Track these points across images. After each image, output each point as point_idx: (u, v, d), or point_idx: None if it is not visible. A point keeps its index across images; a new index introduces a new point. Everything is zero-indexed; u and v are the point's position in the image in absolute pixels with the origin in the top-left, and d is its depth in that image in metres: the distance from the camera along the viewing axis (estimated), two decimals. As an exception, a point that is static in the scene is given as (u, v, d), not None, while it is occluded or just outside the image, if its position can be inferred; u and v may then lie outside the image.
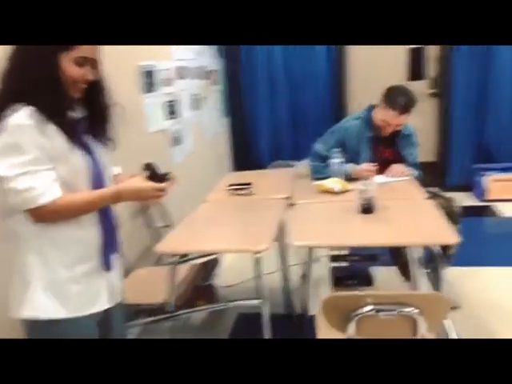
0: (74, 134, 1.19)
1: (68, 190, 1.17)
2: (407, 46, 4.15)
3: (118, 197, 1.24)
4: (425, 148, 2.70)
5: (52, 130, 1.13)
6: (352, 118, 2.52)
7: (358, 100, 4.33)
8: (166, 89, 2.96)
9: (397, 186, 2.27)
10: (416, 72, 4.21)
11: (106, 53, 1.27)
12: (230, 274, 2.78)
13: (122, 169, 1.49)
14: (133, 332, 1.99)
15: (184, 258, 2.10)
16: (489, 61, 3.84)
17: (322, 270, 2.53)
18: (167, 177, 1.30)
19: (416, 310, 1.23)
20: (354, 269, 2.79)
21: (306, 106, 4.32)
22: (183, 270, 2.12)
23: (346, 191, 2.24)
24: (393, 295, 1.27)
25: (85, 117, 1.26)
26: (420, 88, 4.04)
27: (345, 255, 2.76)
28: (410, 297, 1.23)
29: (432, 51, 4.13)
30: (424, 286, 2.25)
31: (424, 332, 1.25)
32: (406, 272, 2.48)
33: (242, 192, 2.36)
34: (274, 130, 4.46)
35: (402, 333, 1.28)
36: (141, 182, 1.26)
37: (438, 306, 1.24)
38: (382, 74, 4.20)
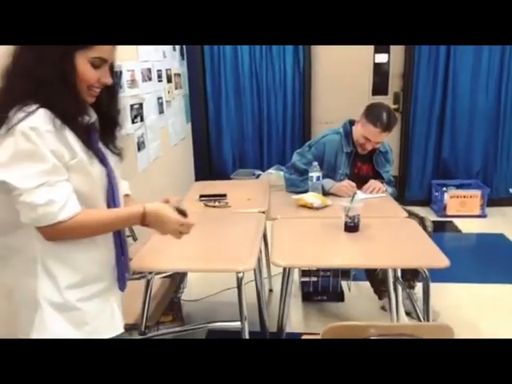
0: (89, 141, 1.08)
1: (84, 204, 1.06)
2: (372, 62, 4.22)
3: (143, 219, 1.12)
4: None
5: (68, 136, 1.03)
6: (331, 132, 2.49)
7: (323, 113, 4.36)
8: (131, 91, 2.79)
9: (375, 203, 2.25)
10: (380, 87, 4.29)
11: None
12: (195, 288, 2.66)
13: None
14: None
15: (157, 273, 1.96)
16: (448, 79, 3.97)
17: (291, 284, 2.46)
18: (186, 213, 1.21)
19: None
20: (324, 283, 2.75)
21: (271, 114, 4.28)
22: (155, 284, 1.97)
23: (326, 206, 2.20)
24: (397, 326, 1.22)
25: (97, 123, 1.14)
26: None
27: (316, 270, 2.71)
28: (414, 328, 1.18)
29: (396, 68, 4.22)
30: (400, 304, 2.25)
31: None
32: (379, 290, 2.47)
33: (218, 204, 2.25)
34: (238, 138, 4.37)
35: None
36: (171, 211, 1.15)
37: (443, 336, 1.20)
38: (347, 88, 4.25)
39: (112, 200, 1.14)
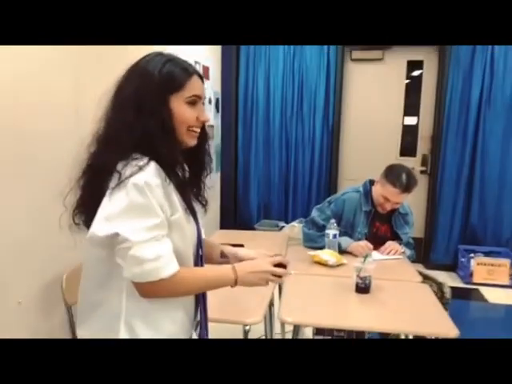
0: (186, 194, 1.08)
1: (178, 261, 1.05)
2: (401, 123, 4.29)
3: (235, 281, 1.10)
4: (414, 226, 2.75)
5: (171, 190, 1.04)
6: (351, 190, 2.53)
7: (350, 170, 4.41)
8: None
9: (391, 265, 2.23)
10: (408, 148, 4.33)
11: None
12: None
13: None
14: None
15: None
16: (477, 144, 3.96)
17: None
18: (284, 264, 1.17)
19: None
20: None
21: (299, 168, 4.36)
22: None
23: (341, 265, 2.20)
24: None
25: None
26: (411, 164, 4.14)
27: (331, 329, 2.65)
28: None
29: (424, 130, 4.27)
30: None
31: None
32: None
33: (234, 254, 2.28)
34: (264, 189, 4.46)
35: None
36: (264, 261, 1.14)
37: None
38: (375, 147, 4.31)
39: (199, 258, 1.14)
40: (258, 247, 2.42)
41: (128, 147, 1.01)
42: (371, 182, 2.47)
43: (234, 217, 4.55)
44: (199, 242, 1.15)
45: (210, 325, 2.94)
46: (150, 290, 1.02)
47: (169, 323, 1.10)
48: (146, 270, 0.98)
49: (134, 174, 0.97)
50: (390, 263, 2.26)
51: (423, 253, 4.26)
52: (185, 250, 1.09)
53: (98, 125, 1.06)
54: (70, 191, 1.08)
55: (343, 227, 2.42)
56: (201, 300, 1.19)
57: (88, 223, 1.04)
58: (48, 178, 1.72)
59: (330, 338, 2.70)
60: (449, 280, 3.84)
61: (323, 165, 4.33)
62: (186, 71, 1.07)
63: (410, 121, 4.32)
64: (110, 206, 0.97)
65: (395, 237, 2.46)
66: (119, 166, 0.99)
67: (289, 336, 2.45)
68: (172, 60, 1.07)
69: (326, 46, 4.10)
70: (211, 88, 3.94)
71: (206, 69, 3.74)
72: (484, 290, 3.74)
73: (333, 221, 2.32)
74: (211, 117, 4.02)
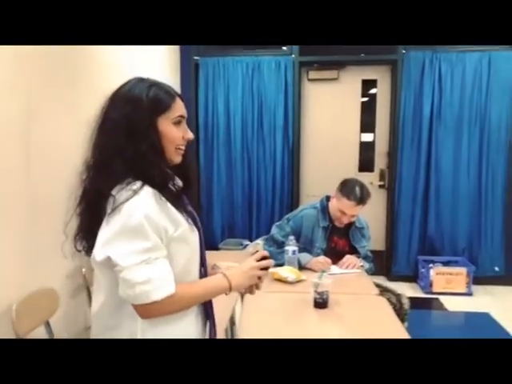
0: (184, 207, 1.12)
1: (182, 270, 1.10)
2: (358, 140, 4.42)
3: (229, 287, 1.14)
4: (374, 237, 2.81)
5: (170, 207, 1.07)
6: (309, 206, 2.58)
7: (311, 187, 4.49)
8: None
9: (349, 279, 2.28)
10: (366, 164, 4.46)
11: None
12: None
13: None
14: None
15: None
16: (431, 160, 4.13)
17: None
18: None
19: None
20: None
21: (261, 187, 4.40)
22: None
23: (300, 281, 2.22)
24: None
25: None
26: (369, 179, 4.27)
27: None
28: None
29: (381, 146, 4.42)
30: None
31: None
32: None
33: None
34: (227, 209, 4.46)
35: None
36: (247, 260, 1.20)
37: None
38: (335, 164, 4.41)
39: (202, 264, 1.19)
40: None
41: (121, 171, 1.04)
42: (327, 198, 2.53)
43: (199, 237, 4.51)
44: (202, 248, 1.19)
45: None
46: (147, 311, 1.05)
47: (181, 335, 1.13)
48: (137, 293, 1.01)
49: (128, 198, 1.01)
50: (348, 277, 2.30)
51: (385, 265, 4.36)
52: (190, 259, 1.14)
53: (87, 153, 1.09)
54: (70, 220, 1.11)
55: (302, 243, 2.45)
56: (210, 315, 1.23)
57: (90, 248, 1.10)
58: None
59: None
60: (410, 290, 3.93)
61: (285, 183, 4.39)
62: (170, 94, 1.13)
63: (367, 137, 4.46)
64: (106, 230, 1.02)
65: (353, 251, 2.51)
66: (114, 191, 1.03)
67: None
68: (155, 84, 1.12)
69: (283, 67, 4.20)
70: (171, 109, 3.95)
71: (164, 91, 3.75)
72: (443, 299, 3.85)
73: (292, 237, 2.35)
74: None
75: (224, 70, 4.26)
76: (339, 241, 2.52)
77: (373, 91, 4.41)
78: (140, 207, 1.01)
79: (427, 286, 3.99)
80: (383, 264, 4.34)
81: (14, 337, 1.58)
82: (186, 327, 1.15)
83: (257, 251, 1.27)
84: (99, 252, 1.02)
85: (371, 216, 2.67)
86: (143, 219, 1.00)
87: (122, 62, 2.91)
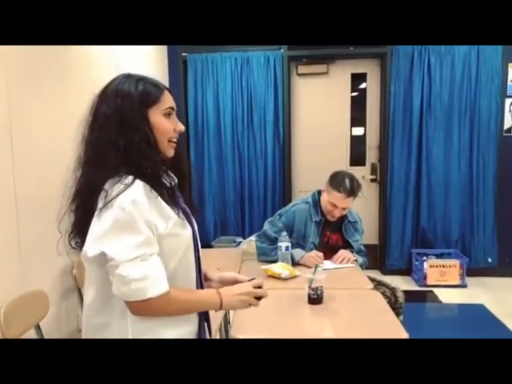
0: (177, 202, 1.12)
1: (174, 272, 1.09)
2: (349, 134, 4.41)
3: (220, 305, 1.15)
4: (367, 231, 2.79)
5: (162, 203, 1.08)
6: (300, 201, 2.55)
7: (303, 182, 4.47)
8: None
9: (343, 274, 2.25)
10: (357, 158, 4.45)
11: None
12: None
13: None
14: None
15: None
16: (422, 152, 4.13)
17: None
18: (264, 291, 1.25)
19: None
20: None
21: (253, 182, 4.37)
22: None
23: (294, 277, 2.20)
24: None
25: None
26: (361, 173, 4.25)
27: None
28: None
29: (372, 140, 4.41)
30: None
31: None
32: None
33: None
34: (220, 206, 4.43)
35: None
36: (245, 284, 1.22)
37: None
38: (326, 158, 4.39)
39: (197, 260, 1.18)
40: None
41: (114, 165, 1.05)
42: (319, 192, 2.51)
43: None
44: (196, 244, 1.18)
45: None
46: (140, 309, 1.04)
47: (173, 329, 1.13)
48: (133, 290, 1.00)
49: (120, 193, 1.01)
50: (342, 272, 2.28)
51: (379, 259, 4.36)
52: (184, 256, 1.13)
53: (79, 149, 1.09)
54: (63, 216, 1.11)
55: (295, 239, 2.43)
56: (202, 316, 1.22)
57: (84, 245, 1.08)
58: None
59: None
60: (404, 284, 3.93)
61: (276, 178, 4.36)
62: (158, 86, 1.14)
63: (358, 131, 4.45)
64: (98, 225, 1.02)
65: (347, 245, 2.49)
66: (107, 185, 1.04)
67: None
68: (143, 78, 1.14)
69: (272, 61, 4.17)
70: (160, 107, 3.90)
71: (152, 88, 3.70)
72: (437, 292, 3.86)
73: (284, 233, 2.32)
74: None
75: (213, 66, 4.22)
76: (332, 235, 2.50)
77: (363, 85, 4.39)
78: (132, 201, 1.01)
79: (421, 279, 3.99)
80: (377, 258, 4.34)
81: (1, 341, 1.54)
82: (180, 326, 1.14)
83: (253, 278, 1.29)
84: (91, 247, 1.02)
85: (364, 210, 2.66)
86: (134, 213, 1.00)
87: (109, 59, 2.86)
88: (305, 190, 4.36)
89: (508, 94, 4.01)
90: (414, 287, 3.98)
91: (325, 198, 2.42)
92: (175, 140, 1.16)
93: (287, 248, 2.30)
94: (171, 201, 1.10)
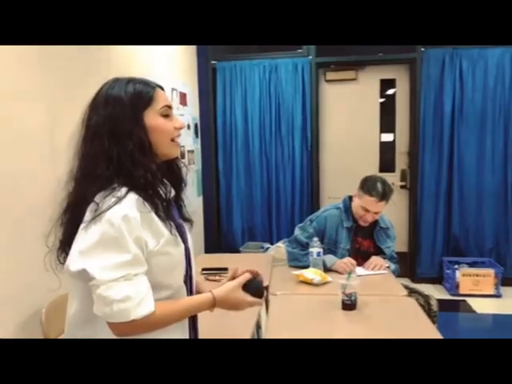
0: (171, 216, 1.06)
1: (162, 286, 1.05)
2: (378, 140, 4.36)
3: (213, 306, 1.12)
4: (397, 239, 2.75)
5: (155, 218, 1.02)
6: (331, 207, 2.54)
7: (331, 188, 4.45)
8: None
9: (376, 281, 2.23)
10: (387, 164, 4.39)
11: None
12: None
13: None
14: None
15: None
16: (453, 158, 4.04)
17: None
18: (263, 289, 1.22)
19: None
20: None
21: (280, 189, 4.37)
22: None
23: (325, 283, 2.18)
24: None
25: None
26: (391, 180, 4.19)
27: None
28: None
29: (401, 146, 4.35)
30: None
31: None
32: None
33: (219, 278, 2.26)
34: (247, 212, 4.45)
35: None
36: (239, 293, 1.16)
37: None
38: (355, 164, 4.36)
39: (188, 278, 1.13)
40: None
41: (105, 176, 0.99)
42: (350, 198, 2.49)
43: (219, 241, 4.51)
44: (188, 262, 1.14)
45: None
46: (123, 330, 0.98)
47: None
48: (115, 311, 0.94)
49: (111, 206, 0.95)
50: (375, 278, 2.25)
51: (409, 267, 4.27)
52: (173, 270, 1.08)
53: (72, 163, 1.04)
54: (51, 231, 1.06)
55: (326, 244, 2.42)
56: (191, 326, 1.20)
57: None
58: (27, 215, 1.69)
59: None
60: (436, 292, 3.84)
61: (304, 184, 4.35)
62: (149, 85, 1.08)
63: (387, 137, 4.40)
64: (84, 239, 0.96)
65: (378, 251, 2.46)
66: (97, 197, 0.98)
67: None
68: (132, 80, 1.08)
69: (300, 68, 4.18)
70: (189, 114, 3.96)
71: (183, 95, 3.77)
72: (471, 301, 3.75)
73: (316, 239, 2.31)
74: (191, 142, 4.03)
75: (241, 74, 4.26)
76: (363, 241, 2.48)
77: (392, 90, 4.35)
78: (122, 216, 0.95)
79: (453, 288, 3.89)
80: (407, 266, 4.26)
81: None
82: (171, 333, 1.08)
83: (248, 270, 1.25)
84: (73, 262, 0.96)
85: (393, 217, 2.63)
86: (124, 229, 0.95)
87: (139, 67, 2.92)
88: (333, 196, 4.33)
89: (544, 99, 3.90)
90: (446, 296, 3.88)
91: (356, 203, 2.40)
92: (178, 139, 1.11)
93: (319, 254, 2.28)
94: (165, 215, 1.04)
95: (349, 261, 2.30)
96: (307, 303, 1.99)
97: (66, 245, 1.05)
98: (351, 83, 4.35)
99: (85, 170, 1.02)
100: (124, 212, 0.95)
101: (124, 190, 0.98)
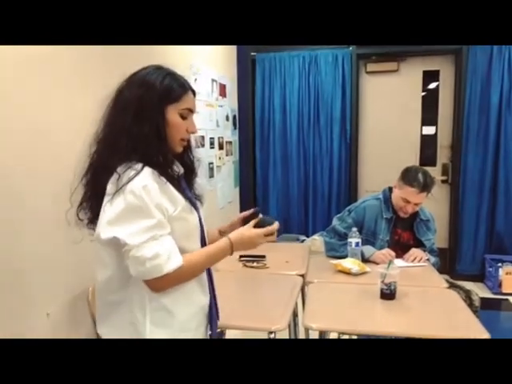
0: (183, 190, 1.18)
1: (185, 245, 1.15)
2: (420, 133, 4.26)
3: (231, 249, 1.20)
4: (437, 234, 2.69)
5: (170, 188, 1.13)
6: (371, 198, 2.51)
7: (370, 181, 4.39)
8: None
9: (416, 272, 2.19)
10: (428, 158, 4.28)
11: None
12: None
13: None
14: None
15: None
16: (500, 150, 3.90)
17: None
18: (271, 221, 1.28)
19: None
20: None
21: (317, 181, 4.35)
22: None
23: (364, 273, 2.17)
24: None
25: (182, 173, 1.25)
26: (432, 174, 4.08)
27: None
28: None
29: (443, 139, 4.23)
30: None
31: None
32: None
33: (256, 265, 2.29)
34: (283, 203, 4.45)
35: None
36: (251, 231, 1.23)
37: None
38: (394, 158, 4.28)
39: (202, 240, 1.25)
40: (280, 258, 2.43)
41: (126, 150, 1.09)
42: (390, 189, 2.46)
43: (255, 232, 4.54)
44: (201, 227, 1.24)
45: (235, 332, 2.92)
46: (159, 285, 1.10)
47: (188, 312, 1.20)
48: (148, 268, 1.05)
49: (131, 178, 1.05)
50: (414, 270, 2.22)
51: (449, 263, 4.17)
52: (191, 236, 1.20)
53: (97, 126, 1.14)
54: (76, 189, 1.16)
55: (365, 235, 2.40)
56: (212, 294, 1.30)
57: (92, 220, 1.17)
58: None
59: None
60: (477, 291, 3.68)
61: (342, 177, 4.32)
62: (183, 86, 1.18)
63: (429, 130, 4.28)
64: (111, 210, 1.06)
65: (418, 244, 2.42)
66: (119, 169, 1.08)
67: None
68: (171, 74, 1.18)
69: (340, 59, 4.13)
70: (228, 105, 4.00)
71: (222, 86, 3.81)
72: (513, 300, 3.63)
73: (355, 229, 2.30)
74: (229, 133, 4.07)
75: (280, 65, 4.26)
76: (403, 233, 2.44)
77: (435, 82, 4.23)
78: (143, 187, 1.05)
79: (496, 286, 3.77)
80: (446, 262, 4.15)
81: (90, 318, 1.66)
82: (191, 302, 1.20)
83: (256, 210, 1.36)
84: (104, 231, 1.06)
85: (433, 211, 2.57)
86: (146, 198, 1.05)
87: (181, 58, 2.98)
88: (371, 189, 4.26)
89: None
90: (488, 294, 3.76)
91: (397, 194, 2.37)
92: (186, 140, 1.21)
93: (357, 244, 2.27)
94: (178, 188, 1.15)
95: (387, 252, 2.28)
96: (344, 292, 1.98)
97: (86, 204, 1.17)
98: (393, 75, 4.26)
99: (108, 139, 1.12)
100: (144, 182, 1.06)
101: (140, 165, 1.09)
